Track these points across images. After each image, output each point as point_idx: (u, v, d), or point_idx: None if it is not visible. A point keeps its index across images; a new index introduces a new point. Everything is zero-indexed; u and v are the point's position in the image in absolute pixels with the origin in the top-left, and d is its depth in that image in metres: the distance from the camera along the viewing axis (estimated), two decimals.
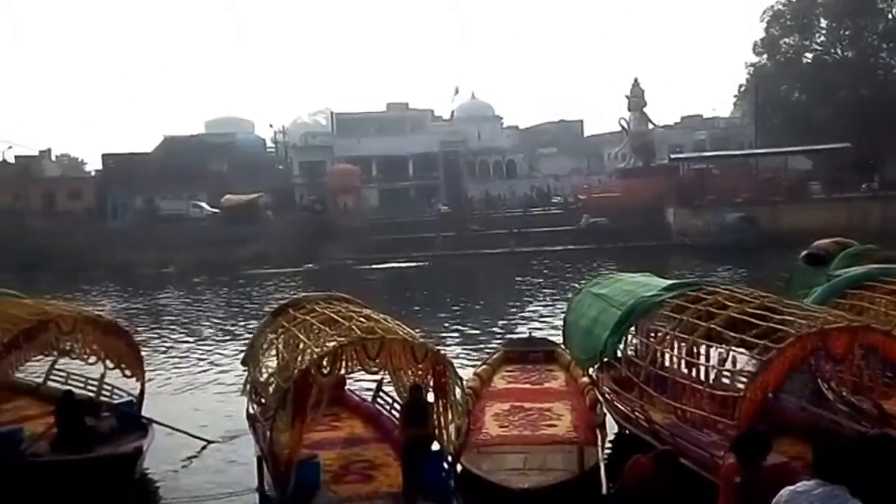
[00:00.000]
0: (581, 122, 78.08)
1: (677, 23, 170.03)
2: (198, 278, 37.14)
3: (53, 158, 72.64)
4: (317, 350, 7.38)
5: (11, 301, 10.82)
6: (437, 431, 7.45)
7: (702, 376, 7.87)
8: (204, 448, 10.13)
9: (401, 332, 7.46)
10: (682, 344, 8.15)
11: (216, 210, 54.33)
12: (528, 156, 68.21)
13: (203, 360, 16.95)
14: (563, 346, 11.76)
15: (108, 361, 10.04)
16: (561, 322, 12.04)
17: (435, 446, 7.43)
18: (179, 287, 34.29)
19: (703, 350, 8.13)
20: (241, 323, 22.08)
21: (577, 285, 14.38)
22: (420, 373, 7.53)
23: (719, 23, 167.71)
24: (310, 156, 64.08)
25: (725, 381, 7.41)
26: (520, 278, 31.69)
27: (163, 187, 58.67)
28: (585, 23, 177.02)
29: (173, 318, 24.26)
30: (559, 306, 20.74)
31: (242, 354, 10.38)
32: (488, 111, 70.16)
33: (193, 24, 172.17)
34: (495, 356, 12.23)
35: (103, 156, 66.36)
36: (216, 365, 16.23)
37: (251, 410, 9.08)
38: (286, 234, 47.41)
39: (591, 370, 9.96)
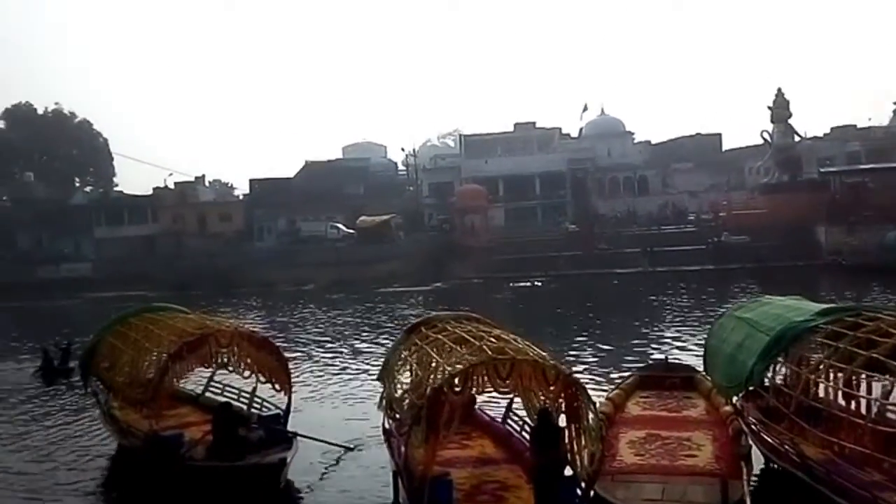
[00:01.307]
0: (719, 135, 74.27)
1: (825, 26, 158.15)
2: (334, 295, 38.91)
3: (207, 184, 79.11)
4: (449, 369, 7.49)
5: (179, 316, 11.86)
6: (569, 456, 7.31)
7: (862, 409, 7.24)
8: (346, 451, 10.60)
9: (531, 354, 7.41)
10: (839, 374, 7.55)
11: (352, 231, 56.89)
12: (661, 171, 65.90)
13: (340, 373, 17.67)
14: (703, 372, 11.19)
15: (260, 375, 10.71)
16: (699, 347, 11.48)
17: (567, 471, 7.29)
18: (318, 304, 36.04)
19: (863, 381, 7.48)
20: (375, 339, 22.86)
21: (717, 308, 13.67)
22: (551, 396, 7.43)
23: (874, 24, 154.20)
24: (438, 177, 65.59)
25: (892, 415, 6.75)
26: (653, 299, 30.55)
27: (303, 209, 62.37)
28: (723, 30, 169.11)
29: (312, 333, 25.49)
30: (697, 330, 19.77)
31: (377, 370, 10.73)
32: (618, 127, 68.67)
33: (332, 56, 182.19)
34: (629, 381, 11.82)
35: (250, 181, 71.57)
36: (352, 378, 16.87)
37: (387, 425, 9.36)
38: (416, 254, 48.77)
39: (734, 399, 9.39)
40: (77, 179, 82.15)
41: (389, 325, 25.89)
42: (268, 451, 9.42)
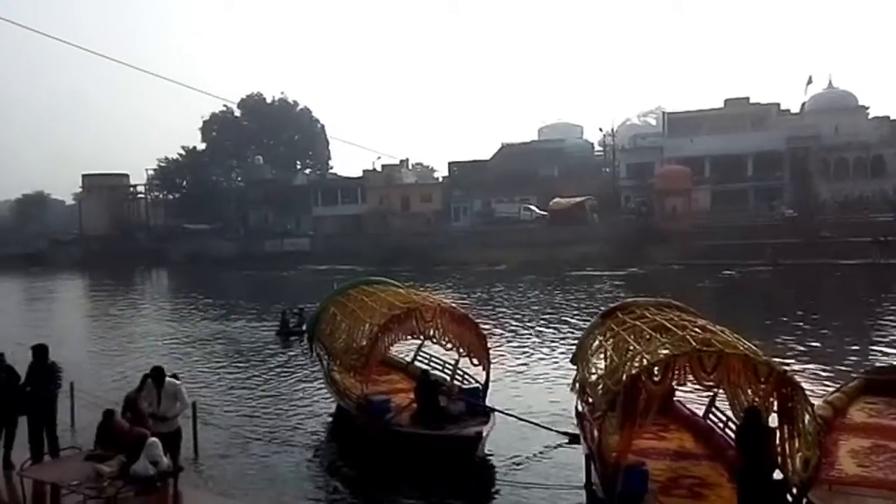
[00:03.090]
0: None
1: None
2: (526, 277, 39.25)
3: (410, 167, 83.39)
4: (648, 357, 7.29)
5: (391, 289, 12.73)
6: (779, 459, 6.80)
7: None
8: (539, 429, 10.75)
9: (741, 347, 6.97)
10: None
11: (545, 213, 56.85)
12: None
13: (531, 352, 17.93)
14: None
15: (460, 349, 11.23)
16: None
17: (776, 475, 6.79)
18: (509, 284, 36.62)
19: None
20: (566, 321, 22.78)
21: None
22: (761, 393, 6.94)
23: None
24: (638, 157, 63.15)
25: None
26: (884, 296, 27.02)
27: (498, 191, 63.51)
28: None
29: (504, 312, 26.01)
30: None
31: (570, 353, 10.72)
32: (850, 101, 60.91)
33: (529, 36, 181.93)
34: (852, 384, 10.62)
35: (449, 163, 74.28)
36: (543, 359, 17.05)
37: (580, 408, 9.35)
38: (610, 237, 47.53)
39: None
40: (298, 162, 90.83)
41: (581, 308, 25.62)
42: (466, 422, 9.87)
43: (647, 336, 7.94)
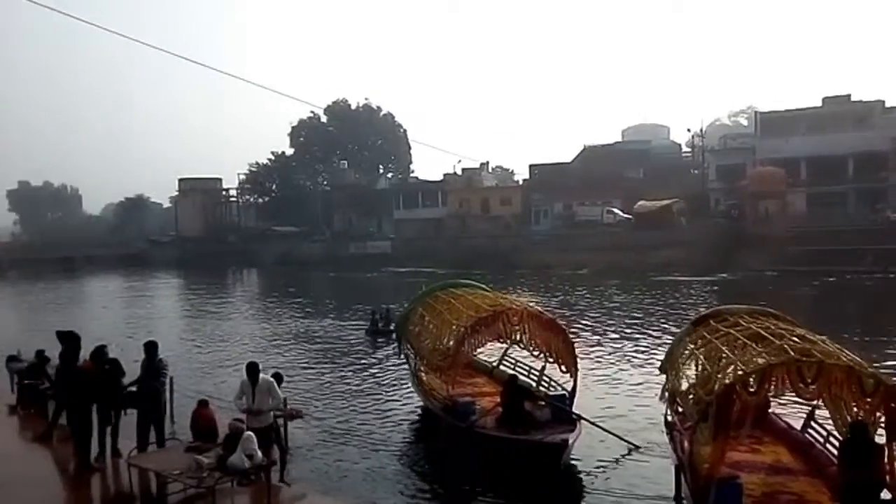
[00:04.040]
0: None
1: None
2: (609, 281, 38.49)
3: (490, 170, 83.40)
4: (743, 366, 7.02)
5: (479, 292, 12.82)
6: (888, 479, 6.40)
7: None
8: (628, 445, 10.54)
9: (844, 358, 6.61)
10: None
11: (629, 216, 55.57)
12: None
13: (616, 360, 17.58)
14: None
15: (547, 355, 11.11)
16: None
17: (885, 495, 6.40)
18: (592, 289, 36.01)
19: None
20: (651, 328, 22.20)
21: None
22: (867, 408, 6.55)
23: None
24: (728, 159, 60.74)
25: None
26: None
27: (580, 194, 62.54)
28: None
29: (587, 317, 25.59)
30: None
31: (658, 360, 10.45)
32: None
33: (612, 37, 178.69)
34: None
35: (530, 166, 73.79)
36: (629, 366, 16.69)
37: (669, 418, 9.10)
38: (699, 242, 45.94)
39: None
40: (381, 167, 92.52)
41: (668, 315, 24.92)
42: (552, 429, 9.76)
43: (742, 344, 7.66)
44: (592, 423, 10.59)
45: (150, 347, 9.72)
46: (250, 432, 7.95)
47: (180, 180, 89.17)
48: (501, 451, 9.53)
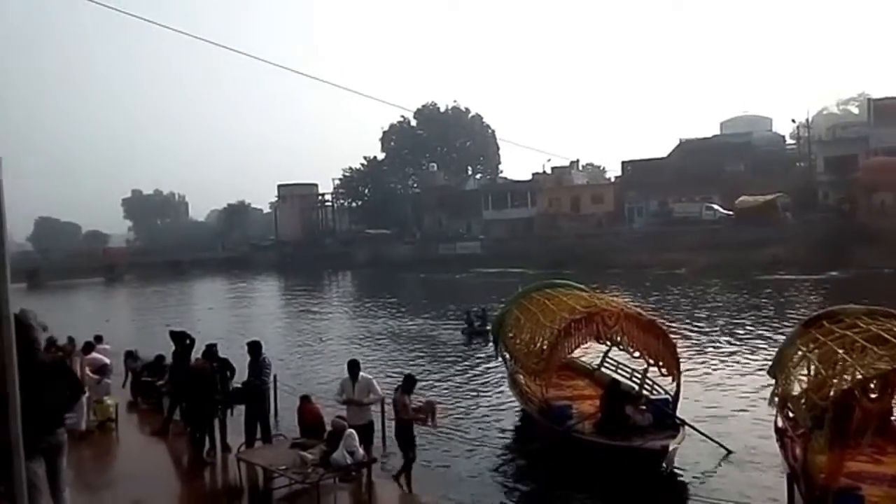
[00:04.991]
0: None
1: None
2: (709, 281, 37.00)
3: (580, 168, 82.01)
4: (862, 370, 6.57)
5: (574, 293, 12.58)
6: None
7: None
8: (728, 454, 10.12)
9: None
10: None
11: (729, 212, 53.26)
12: None
13: (720, 363, 16.88)
14: None
15: (648, 357, 10.76)
16: None
17: None
18: (691, 289, 34.75)
19: None
20: (756, 330, 21.18)
21: None
22: None
23: None
24: (838, 150, 57.01)
25: None
26: None
27: (676, 190, 60.42)
28: None
29: (686, 319, 24.68)
30: None
31: (765, 364, 9.96)
32: None
33: (704, 26, 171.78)
34: None
35: (622, 162, 71.89)
36: (734, 369, 16.00)
37: (780, 424, 8.63)
38: (805, 238, 43.44)
39: None
40: (470, 168, 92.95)
41: (774, 316, 23.69)
42: (653, 435, 9.44)
43: (861, 347, 7.17)
44: (695, 429, 10.18)
45: (254, 347, 10.17)
46: (352, 430, 8.17)
47: (279, 186, 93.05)
48: (599, 456, 9.33)
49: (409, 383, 9.05)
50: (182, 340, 11.00)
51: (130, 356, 14.86)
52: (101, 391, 11.73)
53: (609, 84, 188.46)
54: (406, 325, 26.67)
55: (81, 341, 12.77)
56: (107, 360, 12.74)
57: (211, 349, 10.35)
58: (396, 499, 8.32)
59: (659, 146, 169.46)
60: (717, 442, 10.29)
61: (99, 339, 14.03)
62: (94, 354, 12.41)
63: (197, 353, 10.56)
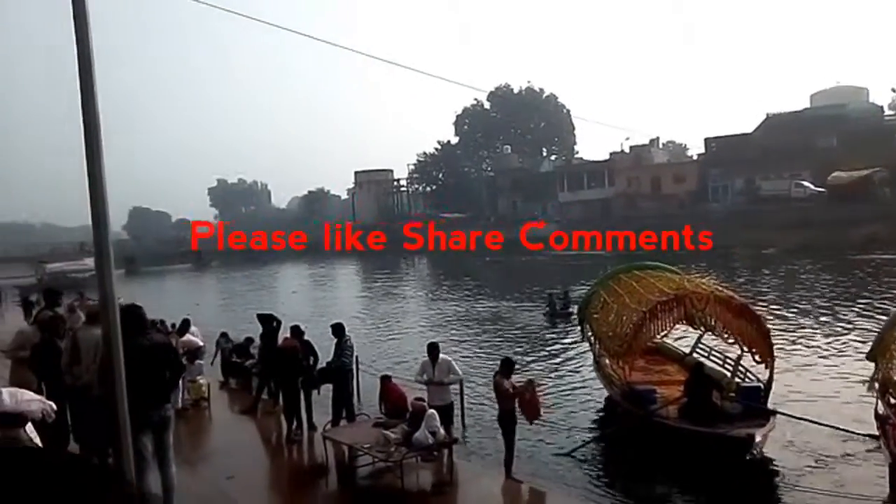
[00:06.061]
0: None
1: None
2: (800, 261, 35.27)
3: (661, 145, 79.47)
4: None
5: (664, 275, 12.18)
6: None
7: None
8: (835, 444, 9.64)
9: None
10: None
11: (821, 189, 50.54)
12: None
13: (814, 346, 16.11)
14: None
15: (741, 342, 10.24)
16: None
17: None
18: (781, 270, 33.22)
19: None
20: (854, 312, 20.06)
21: None
22: None
23: None
24: None
25: None
26: None
27: (764, 167, 57.73)
28: None
29: (776, 301, 23.62)
30: None
31: (864, 348, 9.44)
32: None
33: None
34: None
35: (705, 139, 69.05)
36: (829, 353, 15.23)
37: (881, 411, 8.17)
38: None
39: None
40: (544, 149, 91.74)
41: (872, 297, 22.35)
42: (741, 422, 9.07)
43: None
44: (790, 416, 9.70)
45: (338, 329, 10.42)
46: (433, 410, 8.28)
47: (356, 173, 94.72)
48: (681, 442, 9.06)
49: (507, 366, 8.95)
50: (269, 322, 11.42)
51: (224, 337, 15.55)
52: (195, 372, 12.32)
53: (691, 57, 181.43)
54: (487, 307, 26.77)
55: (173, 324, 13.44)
56: (200, 342, 13.38)
57: (297, 330, 10.69)
58: (477, 478, 8.38)
59: (744, 121, 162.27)
60: (822, 423, 9.75)
61: (187, 322, 14.73)
62: (189, 336, 13.05)
63: (284, 334, 10.95)
